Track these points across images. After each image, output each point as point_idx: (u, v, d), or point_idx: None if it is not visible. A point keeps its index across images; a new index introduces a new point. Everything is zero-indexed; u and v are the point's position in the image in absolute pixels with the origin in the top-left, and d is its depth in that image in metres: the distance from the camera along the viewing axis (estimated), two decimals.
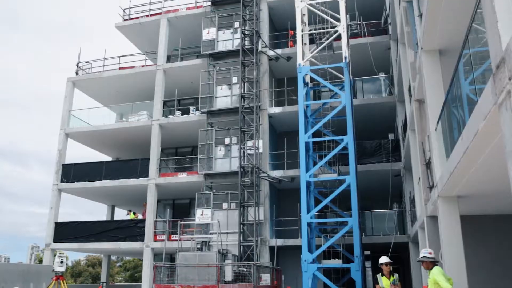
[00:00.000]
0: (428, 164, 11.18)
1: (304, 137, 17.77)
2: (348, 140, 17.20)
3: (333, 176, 18.86)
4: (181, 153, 27.20)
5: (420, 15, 10.31)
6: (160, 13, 26.36)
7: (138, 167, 23.90)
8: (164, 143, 25.29)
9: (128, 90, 27.43)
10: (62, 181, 24.97)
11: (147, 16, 26.70)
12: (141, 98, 27.44)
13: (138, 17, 27.03)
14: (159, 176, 23.34)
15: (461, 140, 6.08)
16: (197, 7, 25.83)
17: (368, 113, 22.31)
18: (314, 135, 18.92)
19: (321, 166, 18.42)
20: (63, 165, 25.32)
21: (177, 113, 24.52)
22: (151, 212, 22.83)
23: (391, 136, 22.31)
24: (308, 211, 17.19)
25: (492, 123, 4.34)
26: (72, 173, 25.07)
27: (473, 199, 9.25)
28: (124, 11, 27.44)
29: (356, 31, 22.25)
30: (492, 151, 5.54)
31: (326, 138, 18.71)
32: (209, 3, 24.74)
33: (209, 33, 23.73)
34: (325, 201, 17.10)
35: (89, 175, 24.72)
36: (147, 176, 23.39)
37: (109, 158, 29.89)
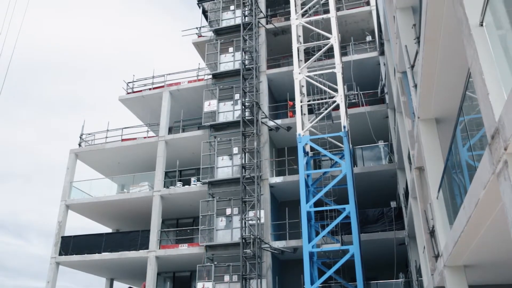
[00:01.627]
0: (432, 233, 11.02)
1: (305, 207, 17.66)
2: (350, 209, 17.08)
3: (336, 246, 18.53)
4: (182, 224, 26.90)
5: (415, 86, 10.60)
6: (162, 86, 27.10)
7: (138, 239, 23.55)
8: (165, 214, 25.09)
9: (130, 161, 27.63)
10: (60, 254, 24.51)
11: (150, 89, 27.43)
12: (143, 169, 27.58)
13: (141, 90, 27.75)
14: (159, 248, 22.93)
15: (463, 209, 6.05)
16: (199, 80, 26.59)
17: (369, 181, 22.31)
18: (316, 204, 18.82)
19: (323, 236, 18.15)
20: (62, 237, 24.97)
21: (178, 183, 24.53)
22: (151, 286, 22.20)
23: (393, 204, 22.15)
24: (312, 283, 16.73)
25: (493, 192, 4.35)
26: (71, 245, 24.66)
27: (481, 268, 9.04)
28: (127, 84, 28.24)
29: (354, 100, 22.78)
30: (495, 219, 5.51)
31: (328, 208, 18.58)
32: (210, 76, 25.49)
33: (210, 105, 24.27)
34: (329, 272, 16.69)
35: (88, 247, 24.31)
36: (147, 248, 22.99)
37: (109, 230, 29.52)
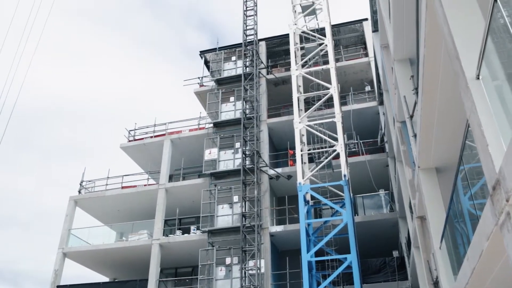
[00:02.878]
0: (436, 284, 10.83)
1: (306, 256, 17.41)
2: (352, 258, 16.83)
3: None
4: (181, 274, 26.38)
5: (415, 135, 10.72)
6: (163, 135, 27.33)
7: None
8: (163, 263, 24.67)
9: (130, 208, 27.44)
10: None
11: (151, 137, 27.64)
12: (142, 216, 27.35)
13: (142, 138, 27.96)
14: None
15: (467, 260, 5.99)
16: (200, 128, 26.85)
17: (371, 230, 22.09)
18: (317, 254, 18.56)
19: (325, 287, 17.78)
20: (58, 286, 24.42)
21: (178, 232, 24.28)
22: None
23: (395, 254, 21.84)
24: None
25: (496, 244, 4.34)
26: None
27: None
28: (129, 132, 28.48)
29: (354, 149, 22.92)
30: (500, 270, 5.44)
31: (329, 257, 18.31)
32: (211, 125, 25.75)
33: (210, 153, 24.39)
34: None
35: None
36: None
37: (106, 279, 28.91)
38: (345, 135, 20.84)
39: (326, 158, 20.59)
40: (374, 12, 18.42)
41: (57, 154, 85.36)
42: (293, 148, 22.93)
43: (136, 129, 28.65)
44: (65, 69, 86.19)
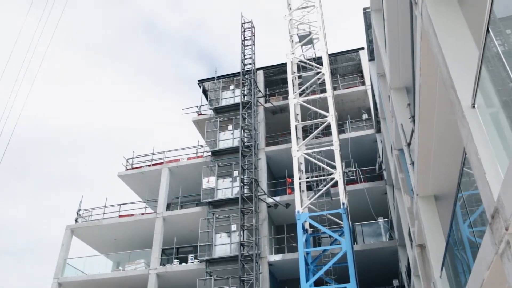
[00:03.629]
0: None
1: (305, 286, 17.18)
2: (352, 287, 16.61)
3: None
4: None
5: (412, 163, 10.73)
6: (161, 163, 27.30)
7: None
8: None
9: (127, 237, 27.17)
10: None
11: (149, 165, 27.60)
12: (140, 245, 27.06)
13: (140, 167, 27.92)
14: None
15: None
16: (198, 157, 26.86)
17: (370, 258, 21.87)
18: (316, 283, 18.30)
19: None
20: None
21: (175, 261, 23.98)
22: None
23: (395, 283, 21.57)
24: None
25: (497, 272, 4.29)
26: None
27: None
28: (127, 161, 28.45)
29: (352, 177, 22.91)
30: None
31: (328, 287, 18.07)
32: (209, 154, 25.77)
33: (208, 182, 24.32)
34: None
35: None
36: None
37: None
38: (343, 163, 20.85)
39: (325, 186, 20.55)
40: (370, 42, 18.69)
41: (55, 183, 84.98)
42: (291, 176, 22.88)
43: (134, 158, 28.63)
44: (63, 97, 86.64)
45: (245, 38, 28.64)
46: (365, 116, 26.55)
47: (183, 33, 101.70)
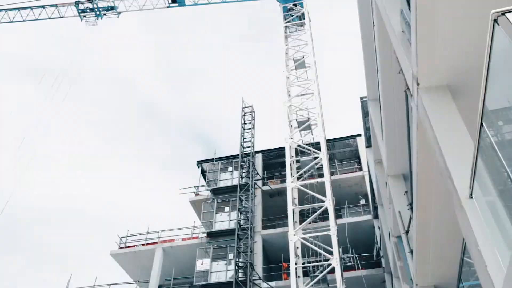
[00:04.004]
0: None
1: None
2: None
3: None
4: None
5: (411, 251, 10.60)
6: (156, 243, 26.80)
7: None
8: None
9: None
10: None
11: (143, 245, 27.07)
12: None
13: (134, 246, 27.37)
14: None
15: None
16: (193, 238, 26.44)
17: None
18: None
19: None
20: None
21: None
22: None
23: None
24: None
25: None
26: None
27: None
28: (121, 239, 27.92)
29: (350, 264, 22.43)
30: None
31: None
32: (205, 235, 25.40)
33: (203, 264, 23.75)
34: None
35: None
36: None
37: None
38: (340, 249, 20.49)
39: (321, 272, 20.05)
40: (367, 129, 19.15)
41: (45, 260, 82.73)
42: (287, 260, 22.38)
43: (128, 236, 28.14)
44: (57, 174, 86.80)
45: (245, 122, 29.31)
46: (362, 201, 26.53)
47: (183, 115, 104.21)
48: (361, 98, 17.78)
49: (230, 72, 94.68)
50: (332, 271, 19.69)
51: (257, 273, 23.05)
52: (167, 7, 30.67)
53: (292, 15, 29.59)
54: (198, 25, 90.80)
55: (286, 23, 29.53)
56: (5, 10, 30.50)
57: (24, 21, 30.80)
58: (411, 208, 9.72)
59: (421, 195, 7.41)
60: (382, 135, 12.85)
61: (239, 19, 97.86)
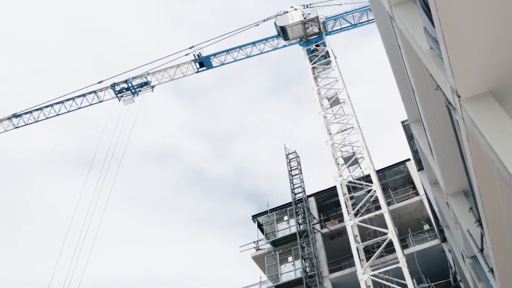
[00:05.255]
0: None
1: None
2: None
3: None
4: None
5: (491, 270, 10.02)
6: None
7: None
8: None
9: None
10: None
11: None
12: None
13: None
14: None
15: None
16: None
17: None
18: None
19: None
20: None
21: None
22: None
23: None
24: None
25: None
26: None
27: None
28: None
29: None
30: None
31: None
32: None
33: None
34: None
35: None
36: None
37: None
38: (414, 280, 19.58)
39: None
40: (415, 152, 18.70)
41: None
42: None
43: None
44: (117, 252, 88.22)
45: (292, 168, 29.27)
46: (426, 226, 25.54)
47: (229, 177, 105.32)
48: (402, 122, 17.52)
49: (264, 125, 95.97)
50: None
51: None
52: (196, 72, 31.77)
53: (317, 55, 29.97)
54: (224, 86, 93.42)
55: (312, 64, 29.90)
56: (51, 105, 32.48)
57: (69, 111, 32.62)
58: (480, 225, 9.26)
59: (488, 209, 7.09)
60: (432, 155, 12.50)
61: (264, 72, 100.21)
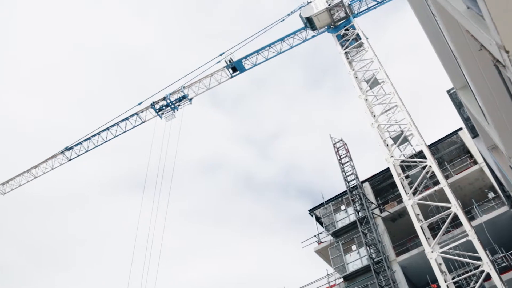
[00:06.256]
0: None
1: None
2: None
3: None
4: None
5: None
6: None
7: None
8: None
9: None
10: None
11: None
12: None
13: None
14: None
15: None
16: (331, 286, 25.76)
17: None
18: None
19: None
20: None
21: None
22: None
23: None
24: None
25: None
26: None
27: None
28: None
29: (504, 264, 20.49)
30: None
31: None
32: (342, 280, 24.67)
33: None
34: None
35: None
36: None
37: None
38: (487, 251, 18.85)
39: (476, 282, 18.47)
40: (466, 120, 17.99)
41: None
42: (435, 281, 20.95)
43: None
44: (183, 266, 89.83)
45: (341, 157, 28.91)
46: (491, 195, 24.56)
47: (279, 177, 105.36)
48: (448, 91, 16.91)
49: (306, 120, 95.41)
50: (488, 277, 18.08)
51: None
52: (231, 77, 31.94)
53: (348, 40, 29.46)
54: (260, 88, 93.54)
55: (344, 49, 29.42)
56: (98, 133, 33.60)
57: (115, 137, 33.60)
58: None
59: None
60: (486, 120, 11.98)
61: (297, 68, 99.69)
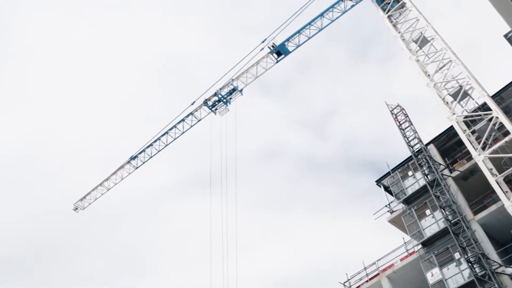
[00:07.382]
0: None
1: None
2: None
3: None
4: None
5: None
6: (377, 274, 26.24)
7: None
8: None
9: None
10: None
11: (367, 281, 26.70)
12: None
13: (359, 286, 27.12)
14: None
15: None
16: (410, 254, 25.37)
17: None
18: None
19: None
20: None
21: None
22: None
23: None
24: None
25: None
26: None
27: None
28: (343, 284, 27.89)
29: None
30: None
31: None
32: (420, 247, 24.24)
33: (433, 275, 22.53)
34: None
35: None
36: None
37: None
38: None
39: None
40: None
41: None
42: None
43: (349, 279, 28.02)
44: (260, 255, 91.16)
45: (400, 122, 28.24)
46: None
47: (339, 154, 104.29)
48: (506, 35, 16.13)
49: (357, 94, 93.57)
50: None
51: (494, 261, 21.06)
52: (276, 62, 31.92)
53: (389, 3, 28.62)
54: (306, 70, 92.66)
55: (387, 13, 28.61)
56: (159, 138, 34.85)
57: (174, 139, 34.68)
58: None
59: None
60: None
61: (340, 44, 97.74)
